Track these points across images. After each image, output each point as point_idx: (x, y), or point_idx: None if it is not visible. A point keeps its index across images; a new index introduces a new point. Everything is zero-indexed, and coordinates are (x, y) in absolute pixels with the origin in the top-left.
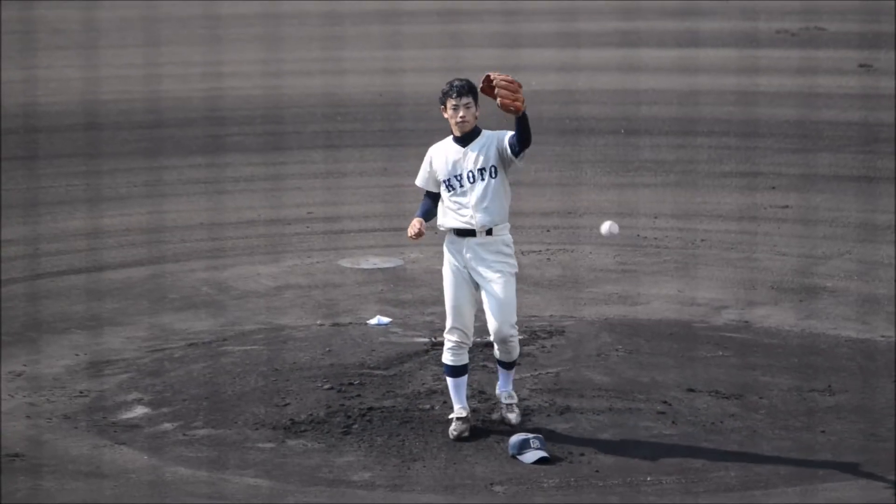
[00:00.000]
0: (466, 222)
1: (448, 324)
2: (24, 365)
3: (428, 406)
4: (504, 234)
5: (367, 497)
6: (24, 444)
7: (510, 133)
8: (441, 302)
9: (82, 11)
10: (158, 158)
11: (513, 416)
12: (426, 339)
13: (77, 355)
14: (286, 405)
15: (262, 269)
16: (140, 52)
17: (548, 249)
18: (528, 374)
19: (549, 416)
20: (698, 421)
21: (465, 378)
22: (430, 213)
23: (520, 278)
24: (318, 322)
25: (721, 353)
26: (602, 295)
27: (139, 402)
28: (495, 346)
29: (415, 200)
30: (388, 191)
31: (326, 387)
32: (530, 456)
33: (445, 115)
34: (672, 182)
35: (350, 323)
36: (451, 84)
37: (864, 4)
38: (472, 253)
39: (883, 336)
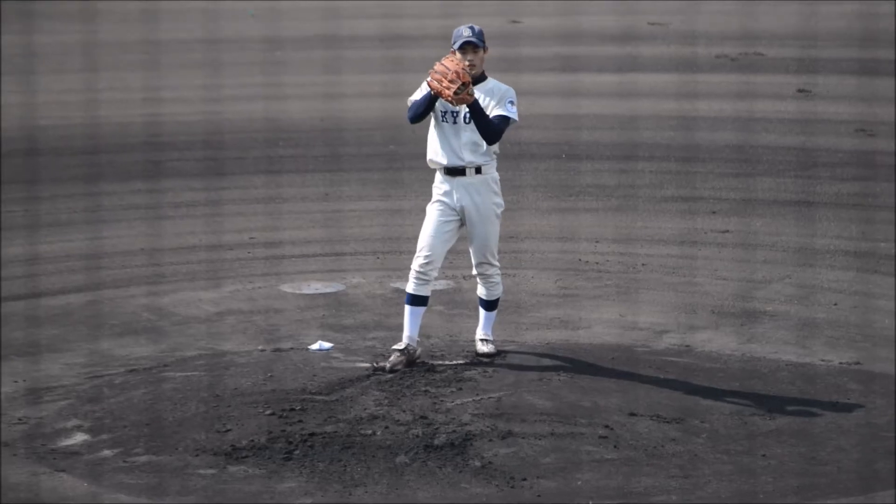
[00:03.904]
0: (456, 161)
1: (417, 252)
2: None
3: (370, 431)
4: (492, 171)
5: None
6: None
7: (503, 106)
8: (382, 326)
9: (20, 36)
10: (98, 184)
11: (486, 347)
12: (368, 364)
13: (15, 382)
14: (227, 431)
15: (203, 295)
16: (79, 77)
17: None
18: (470, 399)
19: (490, 440)
20: (640, 445)
21: (422, 309)
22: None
23: (460, 303)
24: (260, 347)
25: (662, 377)
26: (544, 319)
27: (78, 428)
28: (478, 281)
29: (356, 226)
30: (329, 216)
31: (268, 412)
32: None
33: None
34: (613, 206)
35: (291, 348)
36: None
37: (802, 31)
38: (461, 193)
39: (822, 360)
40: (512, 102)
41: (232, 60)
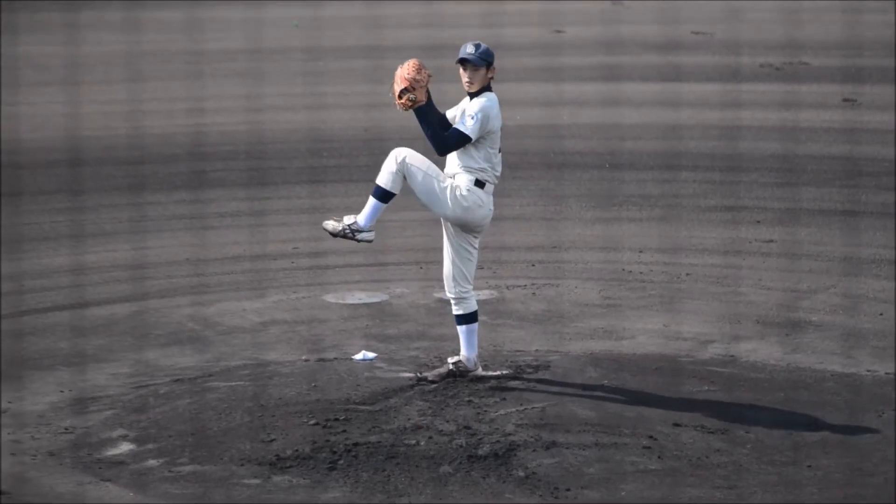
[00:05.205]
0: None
1: None
2: (9, 402)
3: (413, 441)
4: (462, 181)
5: None
6: (9, 481)
7: (461, 119)
8: (425, 337)
9: (65, 47)
10: (142, 194)
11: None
12: (411, 374)
13: (62, 392)
14: (272, 441)
15: (248, 305)
16: (123, 88)
17: (533, 284)
18: (513, 409)
19: (534, 450)
20: (684, 456)
21: (467, 328)
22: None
23: (504, 313)
24: (304, 357)
25: (707, 387)
26: (587, 329)
27: (124, 438)
28: None
29: (399, 236)
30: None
31: (312, 422)
32: None
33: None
34: (657, 216)
35: (335, 358)
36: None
37: (848, 39)
38: None
39: (868, 370)
40: (472, 118)
41: (274, 70)
